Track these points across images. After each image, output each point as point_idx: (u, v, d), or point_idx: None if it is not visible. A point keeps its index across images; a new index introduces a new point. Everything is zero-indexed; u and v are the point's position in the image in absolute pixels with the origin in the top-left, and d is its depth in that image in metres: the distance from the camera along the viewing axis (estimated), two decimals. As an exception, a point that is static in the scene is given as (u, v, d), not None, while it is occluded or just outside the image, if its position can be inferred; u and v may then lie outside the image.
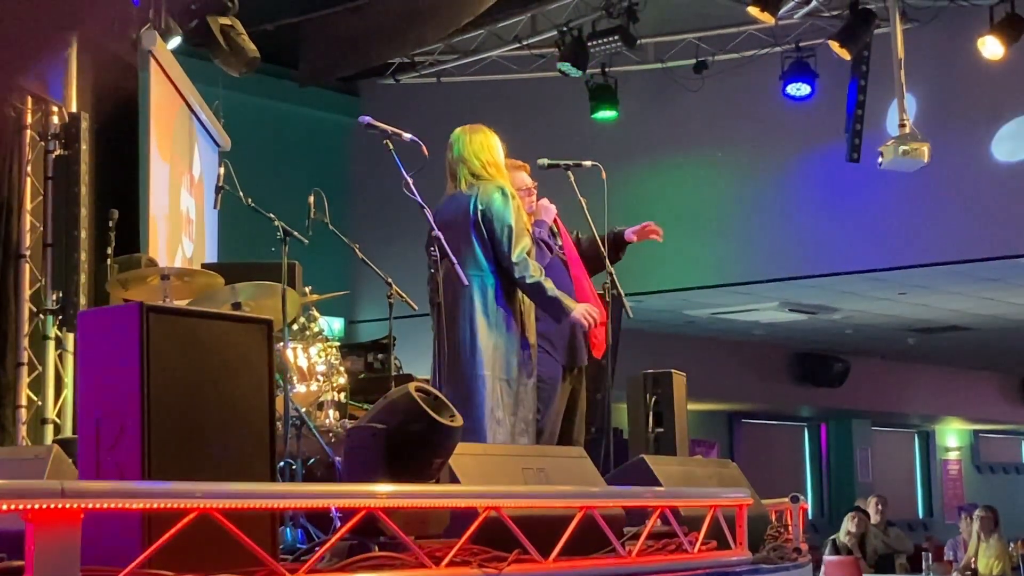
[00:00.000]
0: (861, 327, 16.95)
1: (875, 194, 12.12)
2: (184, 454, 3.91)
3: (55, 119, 7.82)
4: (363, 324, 14.40)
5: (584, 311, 5.99)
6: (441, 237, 5.60)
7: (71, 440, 5.60)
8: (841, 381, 19.52)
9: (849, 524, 12.66)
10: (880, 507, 13.41)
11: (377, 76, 14.04)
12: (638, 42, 12.14)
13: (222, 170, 6.35)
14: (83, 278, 7.64)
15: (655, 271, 12.99)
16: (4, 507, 3.14)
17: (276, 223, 6.19)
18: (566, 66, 12.18)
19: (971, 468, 24.09)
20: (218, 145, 11.29)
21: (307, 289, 7.02)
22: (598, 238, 6.55)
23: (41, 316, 7.75)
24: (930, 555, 12.79)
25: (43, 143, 7.82)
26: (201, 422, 3.99)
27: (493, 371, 5.82)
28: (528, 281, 5.89)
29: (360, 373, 8.22)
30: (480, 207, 5.91)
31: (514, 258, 5.86)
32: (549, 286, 5.92)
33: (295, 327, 6.59)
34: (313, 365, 6.57)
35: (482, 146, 6.04)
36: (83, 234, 7.69)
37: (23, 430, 7.53)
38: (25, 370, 7.64)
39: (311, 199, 6.25)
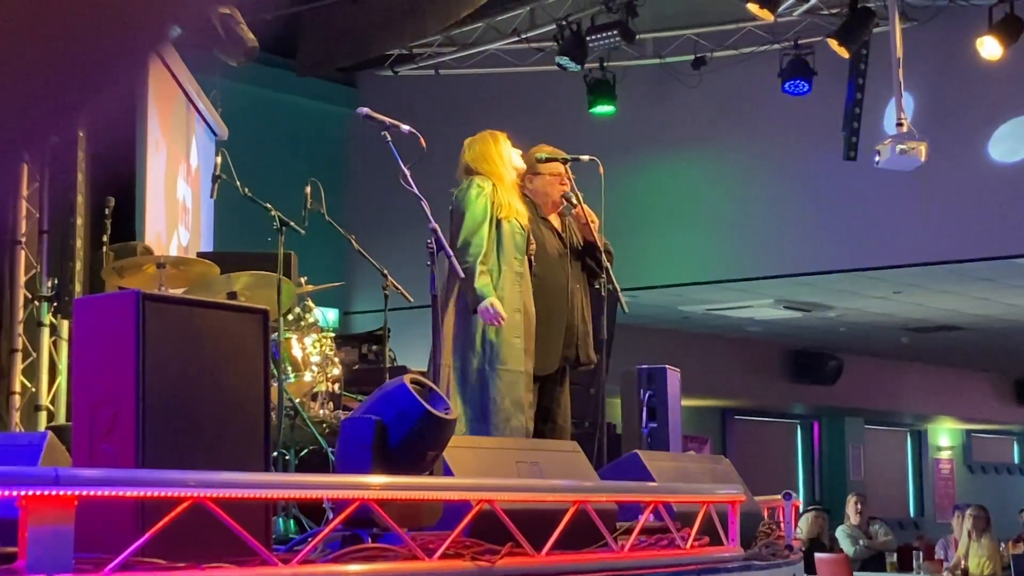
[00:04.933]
0: (855, 325, 16.97)
1: (871, 193, 12.13)
2: (178, 443, 3.91)
3: (53, 105, 7.79)
4: (358, 315, 14.41)
5: (489, 306, 5.87)
6: (438, 229, 5.61)
7: (65, 427, 5.60)
8: (835, 379, 19.54)
9: (804, 525, 12.33)
10: (859, 507, 13.11)
11: (375, 67, 14.02)
12: (637, 37, 12.13)
13: (219, 159, 6.35)
14: (79, 265, 7.63)
15: (650, 266, 13.00)
16: (-2, 493, 3.14)
17: (272, 213, 6.20)
18: (565, 60, 12.18)
19: (963, 468, 24.14)
20: (215, 134, 11.29)
21: (303, 279, 7.02)
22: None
23: (36, 303, 7.74)
24: (921, 554, 12.80)
25: (40, 129, 7.80)
26: (196, 411, 3.99)
27: (446, 360, 5.86)
28: (462, 265, 5.88)
29: (354, 364, 8.22)
30: (451, 205, 6.09)
31: (458, 244, 5.93)
32: (480, 276, 5.90)
33: (290, 317, 6.60)
34: (308, 355, 6.58)
35: (479, 154, 6.19)
36: (79, 221, 7.69)
37: (16, 416, 7.53)
38: (19, 356, 7.63)
39: (308, 190, 6.25)
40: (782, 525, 6.62)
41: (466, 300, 5.96)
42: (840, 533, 12.99)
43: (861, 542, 12.78)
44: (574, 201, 6.45)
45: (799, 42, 12.22)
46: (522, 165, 6.29)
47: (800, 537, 12.19)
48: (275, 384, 5.78)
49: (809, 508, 13.01)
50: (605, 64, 12.76)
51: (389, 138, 5.66)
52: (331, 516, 4.64)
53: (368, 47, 12.57)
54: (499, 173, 6.15)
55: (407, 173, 5.59)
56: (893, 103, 10.92)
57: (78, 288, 7.58)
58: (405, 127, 5.70)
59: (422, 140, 5.60)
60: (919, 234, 12.24)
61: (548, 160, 6.47)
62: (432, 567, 4.03)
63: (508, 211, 6.08)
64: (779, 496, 6.73)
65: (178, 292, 6.16)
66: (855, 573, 12.00)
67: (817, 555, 11.70)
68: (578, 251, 6.52)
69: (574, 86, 12.84)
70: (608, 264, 6.46)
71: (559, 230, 6.50)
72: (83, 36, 1.10)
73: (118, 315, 3.92)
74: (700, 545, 5.25)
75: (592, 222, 6.43)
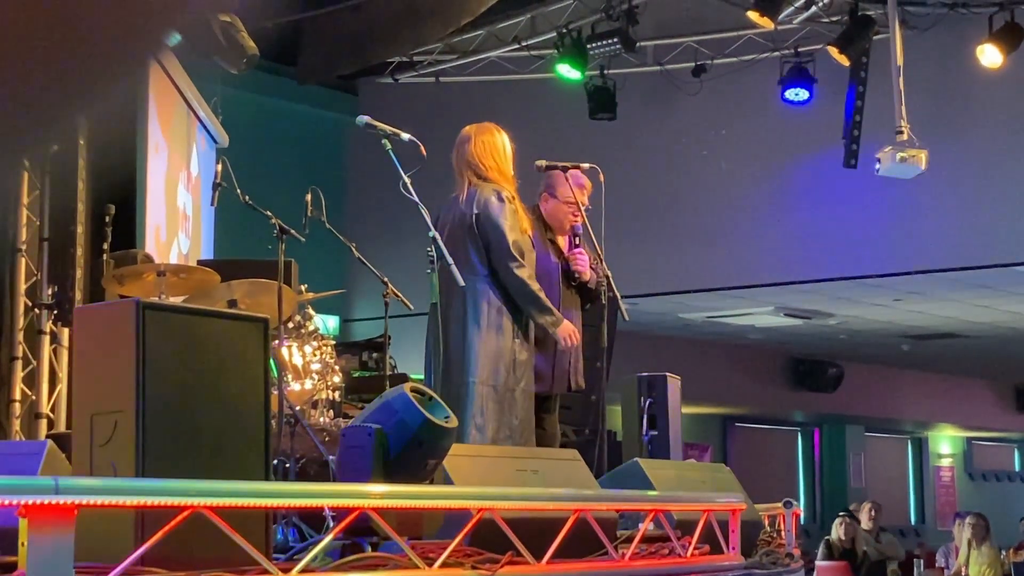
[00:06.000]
0: (856, 333, 16.97)
1: (872, 200, 12.14)
2: (178, 451, 3.91)
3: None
4: (358, 323, 14.40)
5: (569, 332, 5.92)
6: (438, 237, 5.59)
7: (65, 435, 5.59)
8: (835, 386, 19.53)
9: (839, 530, 12.58)
10: (873, 513, 13.36)
11: (376, 75, 14.03)
12: (637, 45, 12.14)
13: (220, 167, 6.34)
14: (79, 273, 7.64)
15: (651, 274, 13.00)
16: (-2, 502, 3.14)
17: (273, 220, 6.19)
18: (565, 68, 12.19)
19: (964, 475, 24.12)
20: (216, 142, 11.30)
21: (303, 287, 7.02)
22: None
23: (36, 310, 7.74)
24: (922, 562, 12.81)
25: (41, 137, 7.79)
26: (196, 419, 3.99)
27: (479, 377, 5.80)
28: (519, 287, 5.85)
29: (355, 372, 8.21)
30: (476, 211, 5.90)
31: (508, 263, 5.85)
32: (542, 295, 5.88)
33: (290, 325, 6.59)
34: (308, 363, 6.57)
35: (487, 149, 6.01)
36: (80, 229, 7.69)
37: (17, 424, 7.53)
38: (19, 364, 7.63)
39: (308, 197, 6.24)
40: (783, 533, 6.62)
41: (489, 316, 5.87)
42: None
43: (871, 546, 12.91)
44: (576, 242, 6.40)
45: (799, 50, 12.23)
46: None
47: (834, 541, 12.31)
48: (275, 392, 5.77)
49: (841, 513, 13.11)
50: (606, 72, 12.76)
51: (389, 146, 5.66)
52: (331, 524, 4.64)
53: (369, 54, 12.58)
54: (509, 176, 6.05)
55: (407, 181, 5.59)
56: (894, 111, 10.93)
57: (78, 296, 7.58)
58: (405, 135, 5.70)
59: (422, 148, 5.59)
60: (919, 241, 12.24)
61: (550, 168, 6.46)
62: (432, 576, 4.03)
63: (525, 222, 6.03)
64: (780, 504, 6.72)
65: (178, 300, 6.16)
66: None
67: (818, 563, 11.72)
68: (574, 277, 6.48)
69: (575, 93, 12.84)
70: (608, 274, 6.44)
71: (564, 252, 6.46)
72: (81, 42, 1.09)
73: (118, 323, 3.92)
74: (700, 553, 5.24)
75: (598, 263, 6.38)
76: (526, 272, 5.88)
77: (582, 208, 6.36)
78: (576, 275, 6.31)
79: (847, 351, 18.65)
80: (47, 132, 1.16)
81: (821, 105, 12.18)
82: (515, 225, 5.90)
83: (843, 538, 12.48)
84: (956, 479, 23.87)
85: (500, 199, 5.89)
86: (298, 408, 6.27)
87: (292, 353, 6.51)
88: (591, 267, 6.36)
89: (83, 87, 1.13)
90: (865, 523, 13.20)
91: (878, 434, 22.23)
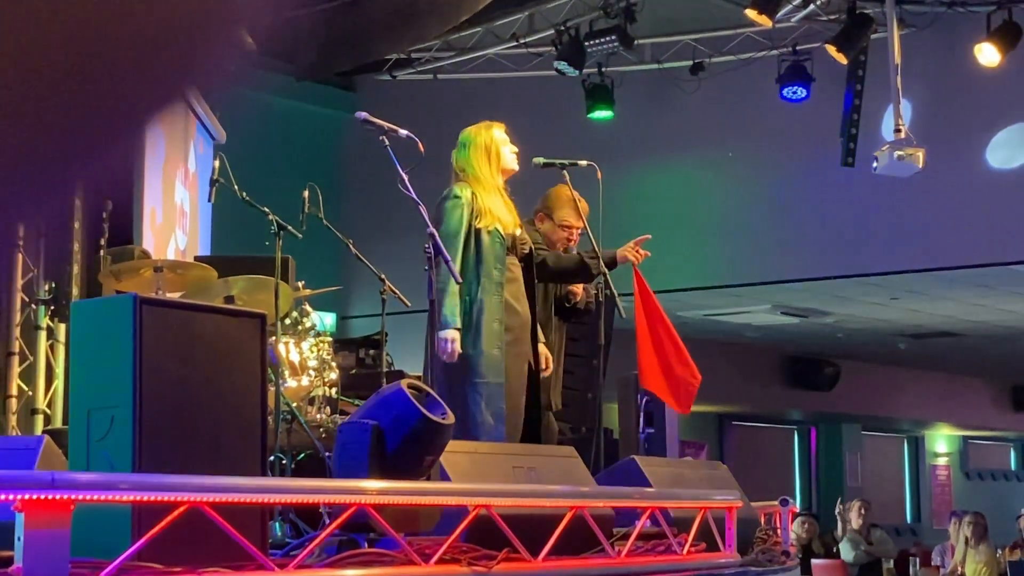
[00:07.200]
0: (852, 331, 16.98)
1: (869, 198, 12.14)
2: (175, 447, 3.91)
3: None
4: (355, 320, 14.39)
5: (448, 339, 5.65)
6: (435, 234, 5.60)
7: (62, 431, 5.59)
8: (832, 385, 19.54)
9: (800, 528, 12.39)
10: (863, 511, 13.22)
11: (374, 72, 14.03)
12: (635, 42, 12.14)
13: (217, 163, 6.34)
14: (76, 269, 7.63)
15: (648, 272, 12.91)
16: (-6, 497, 3.14)
17: (270, 217, 6.19)
18: (563, 65, 12.19)
19: (960, 474, 24.14)
20: (213, 138, 11.29)
21: (300, 284, 7.01)
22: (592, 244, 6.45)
23: (33, 306, 7.73)
24: (918, 560, 12.79)
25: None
26: (192, 415, 3.99)
27: (434, 373, 5.78)
28: (437, 280, 5.74)
29: (352, 369, 8.20)
30: (434, 210, 5.89)
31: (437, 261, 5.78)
32: (451, 299, 5.68)
33: (287, 321, 6.58)
34: (305, 360, 6.57)
35: (468, 155, 5.97)
36: (77, 225, 7.68)
37: (13, 420, 7.52)
38: (16, 360, 7.62)
39: (305, 194, 6.24)
40: (779, 531, 6.62)
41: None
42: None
43: (861, 547, 12.80)
44: None
45: (797, 48, 12.23)
46: (514, 167, 6.13)
47: (794, 543, 12.19)
48: (272, 388, 5.77)
49: (800, 513, 12.99)
50: (603, 69, 12.76)
51: (387, 142, 5.65)
52: (328, 521, 4.64)
53: (367, 51, 12.57)
54: (486, 178, 5.95)
55: (405, 178, 5.58)
56: (891, 109, 10.93)
57: (75, 292, 7.57)
58: (403, 131, 5.70)
59: (420, 145, 5.59)
60: (916, 240, 12.24)
61: (547, 165, 6.46)
62: (429, 572, 4.03)
63: (489, 219, 5.87)
64: (776, 502, 6.73)
65: (175, 296, 6.16)
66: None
67: (814, 561, 11.70)
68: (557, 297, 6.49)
69: (572, 91, 12.84)
70: (605, 272, 6.46)
71: None
72: (81, 111, 1.07)
73: (115, 319, 3.92)
74: (697, 551, 5.25)
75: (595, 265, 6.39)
76: (448, 280, 5.68)
77: (584, 217, 6.39)
78: (569, 295, 6.36)
79: (844, 350, 18.65)
80: (41, 202, 1.14)
81: (819, 103, 12.17)
82: (458, 218, 5.81)
83: (802, 536, 12.32)
84: (952, 478, 23.88)
85: (448, 196, 5.86)
86: (295, 404, 6.27)
87: (289, 349, 6.51)
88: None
89: (81, 159, 1.11)
90: (855, 522, 13.07)
91: (874, 433, 22.24)
